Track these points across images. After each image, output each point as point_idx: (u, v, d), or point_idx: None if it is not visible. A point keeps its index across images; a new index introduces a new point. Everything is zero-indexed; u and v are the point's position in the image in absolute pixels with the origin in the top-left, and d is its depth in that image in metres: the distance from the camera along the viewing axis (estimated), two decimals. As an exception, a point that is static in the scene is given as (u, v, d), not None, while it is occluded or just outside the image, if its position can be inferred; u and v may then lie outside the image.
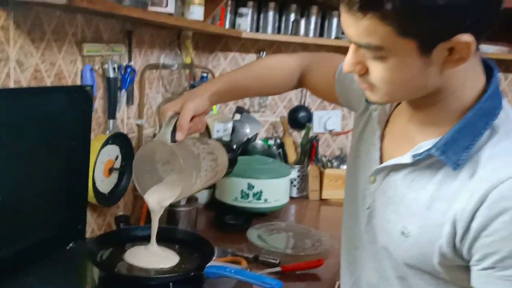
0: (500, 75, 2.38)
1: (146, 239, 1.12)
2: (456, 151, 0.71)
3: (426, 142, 0.75)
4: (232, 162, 1.08)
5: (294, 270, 1.39)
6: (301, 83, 1.13)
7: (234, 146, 2.05)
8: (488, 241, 0.67)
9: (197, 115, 0.94)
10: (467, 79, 0.72)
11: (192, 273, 1.00)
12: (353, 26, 0.68)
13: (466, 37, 0.64)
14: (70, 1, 0.89)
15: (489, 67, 0.75)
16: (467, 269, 0.72)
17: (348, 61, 0.73)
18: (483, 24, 0.67)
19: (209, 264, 1.03)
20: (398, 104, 0.86)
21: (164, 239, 1.13)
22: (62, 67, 1.16)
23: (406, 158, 0.77)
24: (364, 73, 0.73)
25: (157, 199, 1.01)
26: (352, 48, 0.72)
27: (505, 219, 0.66)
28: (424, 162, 0.76)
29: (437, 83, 0.71)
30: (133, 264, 1.02)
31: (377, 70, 0.70)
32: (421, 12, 0.63)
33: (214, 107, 1.91)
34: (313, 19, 2.06)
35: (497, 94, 0.73)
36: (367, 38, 0.67)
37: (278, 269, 1.37)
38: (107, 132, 1.34)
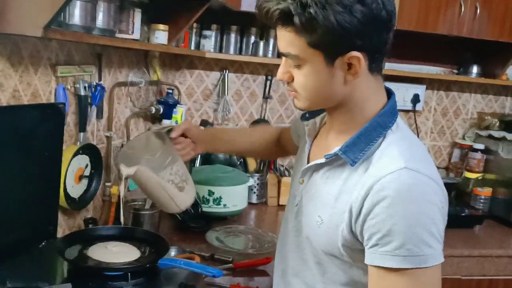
0: (441, 93, 2.63)
1: (111, 238, 1.30)
2: (354, 152, 0.90)
3: (337, 147, 0.95)
4: (190, 205, 1.32)
5: (244, 266, 1.56)
6: (278, 146, 1.38)
7: (199, 157, 2.23)
8: (372, 223, 0.85)
9: (189, 135, 1.20)
10: (370, 97, 0.93)
11: (147, 265, 1.18)
12: (280, 38, 0.88)
13: (357, 54, 0.84)
14: (44, 34, 1.06)
15: (390, 92, 0.97)
16: (363, 251, 0.90)
17: (279, 71, 0.93)
18: (373, 46, 0.86)
19: (164, 258, 1.21)
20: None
21: (127, 237, 1.32)
22: (38, 87, 1.32)
23: (321, 160, 0.97)
24: (291, 81, 0.92)
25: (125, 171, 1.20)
26: (282, 60, 0.92)
27: (383, 205, 0.83)
28: (335, 162, 0.95)
29: (343, 92, 0.90)
30: (97, 259, 1.20)
31: (297, 77, 0.90)
32: (320, 29, 0.81)
33: (179, 119, 2.09)
34: (271, 41, 2.26)
35: (391, 112, 0.94)
36: (288, 48, 0.87)
37: (230, 265, 1.54)
38: (78, 143, 1.50)
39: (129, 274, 1.13)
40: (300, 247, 1.05)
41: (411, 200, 0.83)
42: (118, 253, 1.24)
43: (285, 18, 0.83)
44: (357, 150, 0.90)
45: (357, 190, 0.88)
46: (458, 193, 2.44)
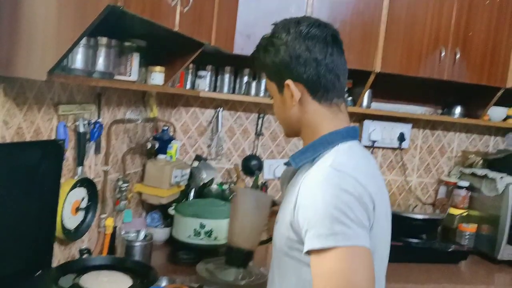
0: (427, 132, 2.74)
1: (103, 268, 1.38)
2: (300, 159, 1.11)
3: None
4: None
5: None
6: None
7: (193, 191, 2.32)
8: (301, 211, 1.01)
9: None
10: (321, 122, 1.11)
11: None
12: None
13: (288, 82, 1.09)
14: (49, 78, 1.17)
15: (355, 128, 1.17)
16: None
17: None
18: (305, 78, 1.08)
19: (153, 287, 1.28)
20: None
21: (119, 267, 1.40)
22: (40, 125, 1.43)
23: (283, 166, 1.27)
24: None
25: None
26: None
27: (306, 194, 1.01)
28: (296, 176, 1.14)
29: (295, 116, 1.11)
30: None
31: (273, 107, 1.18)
32: (264, 66, 1.13)
33: (173, 154, 2.19)
34: (263, 82, 2.39)
35: (343, 136, 1.11)
36: (266, 84, 1.21)
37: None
38: (76, 177, 1.59)
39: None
40: (272, 259, 1.19)
41: (327, 187, 0.98)
42: (110, 283, 1.31)
43: (254, 62, 1.17)
44: (303, 158, 1.11)
45: (298, 188, 1.05)
46: (443, 229, 2.51)
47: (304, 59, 1.07)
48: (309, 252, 0.98)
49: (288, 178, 1.21)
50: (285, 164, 1.24)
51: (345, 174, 1.00)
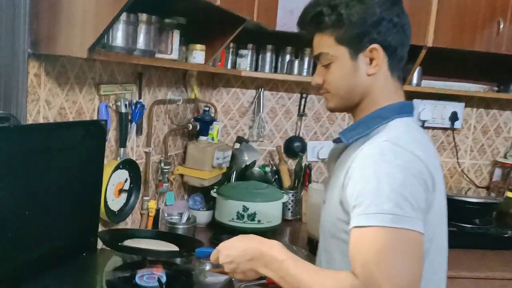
0: (481, 111, 2.57)
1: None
2: (351, 134, 1.05)
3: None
4: None
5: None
6: None
7: (234, 173, 2.27)
8: (350, 186, 0.94)
9: None
10: (385, 95, 1.05)
11: (184, 253, 1.27)
12: (314, 44, 1.07)
13: (376, 46, 1.00)
14: (89, 55, 1.14)
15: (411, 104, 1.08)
16: None
17: (314, 77, 1.10)
18: (389, 42, 1.01)
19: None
20: None
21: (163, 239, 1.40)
22: (82, 105, 1.40)
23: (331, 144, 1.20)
24: (323, 84, 1.08)
25: None
26: (317, 69, 1.09)
27: (357, 168, 0.94)
28: (344, 154, 1.06)
29: (365, 84, 1.03)
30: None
31: (328, 76, 1.05)
32: (345, 25, 1.00)
33: (215, 136, 2.14)
34: (306, 60, 2.29)
35: (397, 111, 1.04)
36: (319, 49, 1.06)
37: (263, 281, 1.56)
38: (118, 158, 1.57)
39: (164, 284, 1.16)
40: (320, 242, 1.14)
41: (382, 162, 0.90)
42: (156, 245, 1.31)
43: (318, 21, 1.03)
44: (355, 133, 1.04)
45: (348, 164, 0.98)
46: (499, 214, 2.37)
47: (394, 23, 1.01)
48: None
49: (336, 156, 1.13)
50: (334, 141, 1.16)
51: (403, 149, 0.92)
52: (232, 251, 1.03)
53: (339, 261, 1.03)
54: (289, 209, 2.28)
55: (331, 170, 1.15)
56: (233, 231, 1.95)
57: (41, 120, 1.24)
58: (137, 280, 1.22)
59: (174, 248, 1.33)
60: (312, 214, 1.90)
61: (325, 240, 1.10)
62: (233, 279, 1.33)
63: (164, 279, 1.23)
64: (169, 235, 1.49)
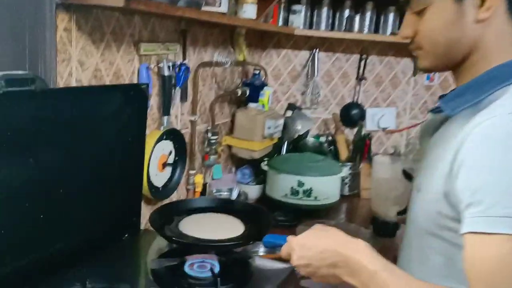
0: None
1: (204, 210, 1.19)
2: (457, 103, 0.79)
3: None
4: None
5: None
6: None
7: (285, 144, 2.07)
8: (464, 178, 0.72)
9: None
10: (503, 47, 0.79)
11: (251, 242, 1.07)
12: None
13: None
14: (126, 4, 0.93)
15: None
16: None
17: (402, 29, 0.85)
18: None
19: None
20: None
21: (226, 210, 1.21)
22: (120, 66, 1.21)
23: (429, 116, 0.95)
24: (413, 36, 0.83)
25: None
26: (405, 18, 0.84)
27: (475, 155, 0.71)
28: (445, 126, 0.84)
29: (473, 35, 0.78)
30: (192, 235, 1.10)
31: (422, 25, 0.81)
32: None
33: (266, 103, 1.93)
34: (368, 15, 2.02)
35: None
36: None
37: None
38: (162, 128, 1.38)
39: (218, 280, 0.98)
40: (407, 235, 0.93)
41: (510, 149, 0.68)
42: (215, 228, 1.13)
43: None
44: (462, 101, 0.79)
45: (455, 143, 0.76)
46: None
47: None
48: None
49: (433, 129, 0.89)
50: (432, 111, 0.91)
51: None
52: (308, 252, 0.82)
53: (439, 265, 0.82)
54: (346, 183, 2.06)
55: (426, 148, 0.91)
56: (287, 209, 1.77)
57: (73, 84, 1.06)
58: (186, 269, 1.05)
59: (239, 224, 1.14)
60: (378, 190, 1.68)
61: (417, 236, 0.87)
62: (295, 269, 1.14)
63: (217, 269, 1.06)
64: (233, 205, 1.30)
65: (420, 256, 0.87)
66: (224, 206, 1.22)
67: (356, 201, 2.08)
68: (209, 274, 1.03)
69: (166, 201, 1.47)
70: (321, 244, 0.81)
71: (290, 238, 0.89)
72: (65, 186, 1.00)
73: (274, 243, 0.99)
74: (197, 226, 1.15)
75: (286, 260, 1.31)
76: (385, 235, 1.64)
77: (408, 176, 1.56)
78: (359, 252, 0.77)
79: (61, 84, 1.02)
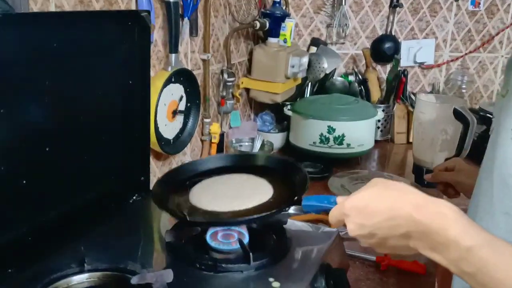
0: None
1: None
2: None
3: None
4: None
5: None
6: None
7: (309, 85, 1.82)
8: None
9: None
10: None
11: (286, 209, 0.84)
12: None
13: None
14: None
15: None
16: None
17: None
18: None
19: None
20: None
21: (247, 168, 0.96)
22: (113, -11, 0.96)
23: None
24: None
25: None
26: None
27: None
28: None
29: None
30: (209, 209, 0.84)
31: None
32: None
33: (288, 37, 1.67)
34: None
35: None
36: None
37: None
38: (169, 68, 1.15)
39: (251, 255, 0.77)
40: (483, 185, 0.71)
41: None
42: (242, 193, 0.89)
43: None
44: None
45: None
46: None
47: None
48: None
49: None
50: None
51: None
52: (370, 220, 0.60)
53: None
54: (378, 127, 1.83)
55: None
56: (316, 159, 1.55)
57: (52, 8, 0.82)
58: (208, 240, 0.85)
59: (266, 185, 0.91)
60: (422, 135, 1.45)
61: (502, 186, 0.66)
62: (340, 232, 0.94)
63: (246, 239, 0.85)
64: (255, 161, 1.03)
65: (504, 207, 0.66)
66: (244, 164, 0.98)
67: (389, 147, 1.87)
68: (237, 246, 0.83)
69: (180, 155, 1.26)
70: (388, 208, 0.58)
71: (341, 199, 0.67)
72: (52, 143, 0.79)
73: (319, 208, 0.77)
74: (214, 195, 0.89)
75: (329, 225, 1.11)
76: (430, 185, 1.42)
77: (460, 117, 1.33)
78: (444, 219, 0.55)
79: (34, 9, 0.77)
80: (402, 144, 1.86)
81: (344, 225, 0.65)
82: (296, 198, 0.81)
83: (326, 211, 0.72)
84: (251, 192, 0.89)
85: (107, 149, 0.93)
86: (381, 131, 1.86)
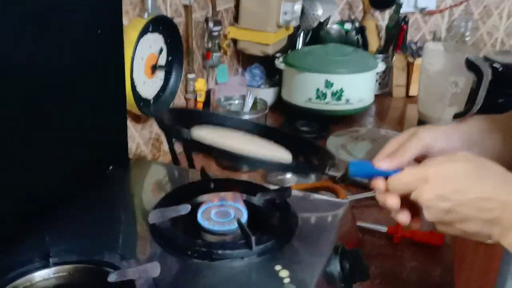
0: None
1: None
2: None
3: None
4: None
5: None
6: None
7: (302, 34, 1.65)
8: None
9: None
10: None
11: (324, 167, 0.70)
12: None
13: None
14: None
15: None
16: None
17: None
18: None
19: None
20: None
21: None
22: None
23: None
24: None
25: None
26: None
27: None
28: None
29: None
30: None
31: None
32: None
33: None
34: None
35: None
36: None
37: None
38: (145, 15, 0.97)
39: (253, 239, 0.64)
40: None
41: None
42: (266, 146, 0.75)
43: None
44: None
45: None
46: None
47: None
48: None
49: None
50: None
51: None
52: (456, 195, 0.50)
53: None
54: (376, 80, 1.69)
55: None
56: (312, 117, 1.42)
57: None
58: (200, 219, 0.72)
59: (281, 148, 0.76)
60: (429, 88, 1.32)
61: None
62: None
63: (245, 217, 0.72)
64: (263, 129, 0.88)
65: None
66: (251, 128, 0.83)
67: (387, 101, 1.73)
68: (234, 226, 0.70)
69: (161, 117, 1.11)
70: (485, 190, 0.49)
71: (428, 162, 0.54)
72: (7, 108, 0.63)
73: (374, 172, 0.61)
74: (223, 135, 0.76)
75: (332, 190, 0.99)
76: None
77: (473, 67, 1.20)
78: None
79: None
80: (401, 97, 1.73)
81: (407, 195, 0.53)
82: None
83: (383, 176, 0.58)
84: (270, 148, 0.74)
85: (75, 113, 0.77)
86: (379, 84, 1.72)
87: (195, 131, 0.72)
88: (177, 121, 0.77)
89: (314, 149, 0.78)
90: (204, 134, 0.72)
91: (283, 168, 0.75)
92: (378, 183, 0.56)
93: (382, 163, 0.56)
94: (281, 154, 0.72)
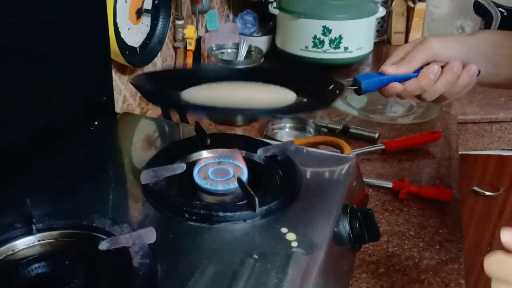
0: None
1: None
2: None
3: None
4: None
5: (399, 148, 1.02)
6: None
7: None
8: None
9: None
10: None
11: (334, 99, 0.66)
12: None
13: None
14: None
15: None
16: None
17: None
18: None
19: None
20: None
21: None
22: None
23: None
24: None
25: None
26: None
27: None
28: None
29: None
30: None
31: None
32: None
33: None
34: None
35: None
36: None
37: (380, 146, 1.00)
38: (128, -48, 0.87)
39: (256, 200, 0.59)
40: None
41: None
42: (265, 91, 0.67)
43: None
44: None
45: None
46: None
47: None
48: None
49: None
50: None
51: None
52: None
53: None
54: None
55: None
56: (309, 66, 1.34)
57: None
58: (197, 178, 0.66)
59: (284, 89, 0.68)
60: (435, 34, 1.24)
61: None
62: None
63: (245, 176, 0.67)
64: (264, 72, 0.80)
65: None
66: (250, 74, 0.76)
67: (385, 49, 1.66)
68: (234, 185, 0.65)
69: (148, 68, 1.03)
70: None
71: None
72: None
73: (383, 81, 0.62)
74: (216, 93, 0.67)
75: (335, 146, 0.94)
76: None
77: (482, 10, 1.12)
78: None
79: None
80: (400, 45, 1.65)
81: None
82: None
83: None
84: (269, 93, 0.67)
85: (56, 63, 0.69)
86: (377, 31, 1.64)
87: (186, 93, 0.65)
88: (163, 84, 0.69)
89: (320, 80, 0.72)
90: (196, 93, 0.64)
91: (290, 110, 0.68)
92: (396, 86, 0.57)
93: (389, 68, 0.58)
94: (283, 95, 0.65)
